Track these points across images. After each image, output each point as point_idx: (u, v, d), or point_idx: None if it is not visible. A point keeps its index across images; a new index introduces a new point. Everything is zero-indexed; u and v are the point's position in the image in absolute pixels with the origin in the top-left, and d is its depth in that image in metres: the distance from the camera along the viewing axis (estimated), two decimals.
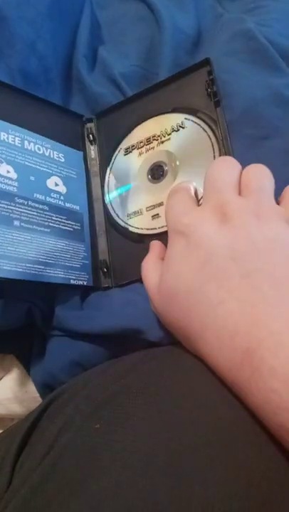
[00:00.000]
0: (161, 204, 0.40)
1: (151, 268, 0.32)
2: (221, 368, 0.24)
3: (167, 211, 0.32)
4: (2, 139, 0.38)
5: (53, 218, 0.39)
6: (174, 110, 0.41)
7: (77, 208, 0.42)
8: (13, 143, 0.39)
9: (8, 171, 0.38)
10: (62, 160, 0.42)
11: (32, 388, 0.36)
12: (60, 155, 0.42)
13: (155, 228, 0.39)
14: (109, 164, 0.44)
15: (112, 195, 0.43)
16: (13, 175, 0.38)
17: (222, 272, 0.25)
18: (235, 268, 0.25)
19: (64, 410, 0.28)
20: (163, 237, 0.39)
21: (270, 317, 0.22)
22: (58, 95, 0.45)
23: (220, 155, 0.37)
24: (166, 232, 0.39)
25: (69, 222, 0.40)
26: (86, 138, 0.45)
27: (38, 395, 0.36)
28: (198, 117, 0.39)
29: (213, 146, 0.38)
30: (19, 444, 0.28)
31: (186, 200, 0.31)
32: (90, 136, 0.45)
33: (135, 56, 0.47)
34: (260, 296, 0.23)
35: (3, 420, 0.35)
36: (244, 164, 0.31)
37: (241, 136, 0.38)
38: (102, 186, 0.43)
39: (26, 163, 0.39)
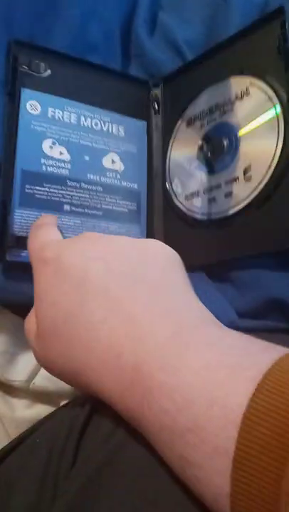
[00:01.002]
0: (218, 186, 0.35)
1: (31, 321, 0.28)
2: (114, 396, 0.22)
3: (29, 244, 0.30)
4: (57, 117, 0.37)
5: (107, 199, 0.38)
6: (241, 72, 0.34)
7: (135, 186, 0.40)
8: (68, 121, 0.38)
9: (61, 153, 0.37)
10: (122, 134, 0.40)
11: None
12: (120, 128, 0.40)
13: (210, 214, 0.35)
14: (171, 137, 0.40)
15: (172, 173, 0.39)
16: (67, 156, 0.37)
17: (99, 287, 0.23)
18: (112, 281, 0.23)
19: None
20: (218, 224, 0.35)
21: (153, 329, 0.21)
22: (117, 62, 0.43)
23: (285, 129, 0.31)
24: (221, 220, 0.35)
25: (124, 202, 0.39)
26: (151, 106, 0.41)
27: None
28: (266, 81, 0.32)
29: (278, 117, 0.31)
30: (83, 423, 0.29)
31: (49, 233, 0.30)
32: (155, 104, 0.41)
33: (199, 23, 0.42)
34: (140, 309, 0.22)
35: (50, 396, 0.37)
36: None
37: None
38: (164, 162, 0.40)
39: (81, 141, 0.38)
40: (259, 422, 0.16)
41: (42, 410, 0.35)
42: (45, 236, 0.30)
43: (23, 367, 0.35)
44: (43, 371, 0.35)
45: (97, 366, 0.23)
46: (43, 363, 0.28)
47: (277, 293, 0.32)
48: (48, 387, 0.35)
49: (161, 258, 0.25)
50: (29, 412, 0.35)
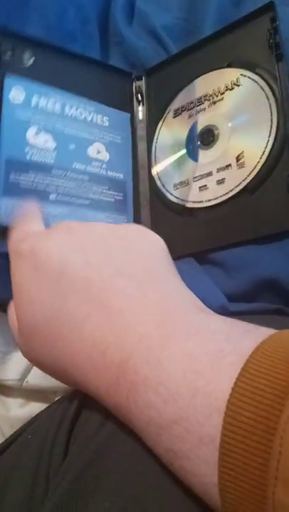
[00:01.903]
0: (210, 174, 0.36)
1: (13, 311, 0.27)
2: (101, 392, 0.21)
3: (10, 235, 0.28)
4: (41, 106, 0.36)
5: (93, 188, 0.37)
6: (229, 65, 0.36)
7: (121, 176, 0.39)
8: (52, 109, 0.37)
9: (46, 141, 0.36)
10: (107, 124, 0.39)
11: None
12: (105, 118, 0.40)
13: (202, 201, 0.36)
14: (157, 127, 0.40)
15: (158, 163, 0.39)
16: (52, 144, 0.36)
17: (80, 281, 0.22)
18: (92, 273, 0.22)
19: None
20: (210, 211, 0.35)
21: (138, 321, 0.20)
22: (96, 51, 0.42)
23: (278, 118, 0.32)
24: (213, 207, 0.36)
25: (111, 192, 0.38)
26: (134, 98, 0.41)
27: None
28: (256, 73, 0.34)
29: (271, 107, 0.33)
30: (72, 416, 0.27)
31: (28, 224, 0.28)
32: (139, 95, 0.41)
33: (177, 8, 0.43)
34: (124, 301, 0.21)
35: (45, 394, 0.35)
36: None
37: None
38: (149, 152, 0.40)
39: (66, 130, 0.37)
40: (243, 407, 0.15)
41: (36, 408, 0.33)
42: (24, 227, 0.28)
43: (16, 366, 0.33)
44: (35, 369, 0.34)
45: (82, 364, 0.22)
46: (30, 359, 0.26)
47: (266, 272, 0.33)
48: (42, 385, 0.33)
49: (143, 245, 0.25)
50: (23, 410, 0.33)
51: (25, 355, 0.26)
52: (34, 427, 0.30)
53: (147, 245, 0.25)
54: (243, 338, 0.18)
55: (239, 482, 0.15)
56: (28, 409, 0.33)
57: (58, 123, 0.37)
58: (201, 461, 0.17)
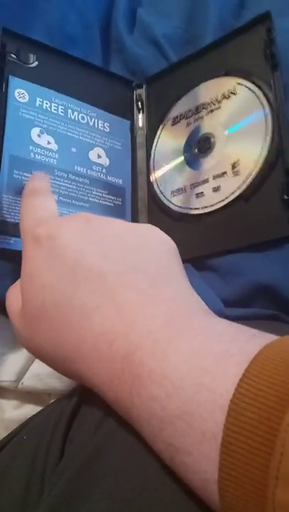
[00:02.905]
0: (206, 181, 0.36)
1: (15, 295, 0.27)
2: (103, 384, 0.22)
3: (22, 214, 0.28)
4: (45, 107, 0.37)
5: (93, 192, 0.38)
6: (226, 74, 0.36)
7: (120, 181, 0.40)
8: (55, 112, 0.37)
9: (48, 142, 0.36)
10: (108, 130, 0.40)
11: None
12: (106, 124, 0.40)
13: (198, 208, 0.36)
14: (156, 135, 0.41)
15: (156, 170, 0.40)
16: (54, 146, 0.37)
17: (95, 271, 0.23)
18: (108, 266, 0.23)
19: None
20: (206, 217, 0.36)
21: (148, 316, 0.21)
22: (97, 57, 0.43)
23: (273, 126, 0.33)
24: (210, 213, 0.36)
25: (110, 196, 0.39)
26: (134, 105, 0.42)
27: None
28: (253, 82, 0.34)
29: (266, 116, 0.33)
30: (69, 417, 0.27)
31: (45, 206, 0.28)
32: (139, 103, 0.42)
33: (177, 17, 0.44)
34: (136, 296, 0.22)
35: (40, 396, 0.35)
36: None
37: None
38: (148, 159, 0.41)
39: (69, 133, 0.38)
40: (246, 407, 0.16)
41: (31, 410, 0.34)
42: (40, 210, 0.28)
43: (11, 367, 0.33)
44: (31, 370, 0.34)
45: (87, 353, 0.22)
46: (28, 346, 0.26)
47: (262, 279, 0.33)
48: (37, 387, 0.34)
49: (157, 245, 0.25)
50: (18, 412, 0.34)
51: (25, 341, 0.26)
52: (29, 428, 0.30)
53: (161, 245, 0.25)
54: (248, 341, 0.18)
55: (239, 481, 0.16)
56: (22, 411, 0.34)
57: (61, 126, 0.37)
58: (202, 457, 0.17)
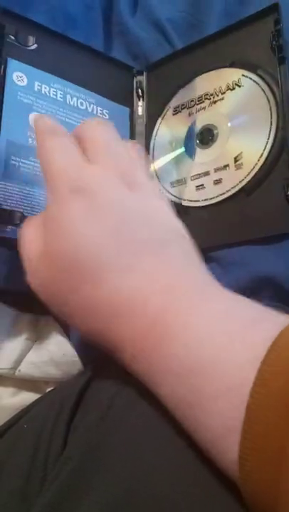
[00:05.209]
0: (207, 174, 0.36)
1: (34, 235, 0.26)
2: (125, 339, 0.23)
3: (49, 161, 0.26)
4: (44, 92, 0.36)
5: None
6: (232, 65, 0.36)
7: None
8: (54, 97, 0.37)
9: None
10: (106, 117, 0.39)
11: (71, 351, 0.35)
12: (105, 111, 0.39)
13: (198, 200, 0.36)
14: (156, 124, 0.40)
15: (156, 160, 0.40)
16: None
17: (139, 237, 0.24)
18: (149, 235, 0.24)
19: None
20: (206, 210, 0.36)
21: (186, 279, 0.23)
22: (99, 39, 0.42)
23: (278, 120, 0.33)
24: (210, 206, 0.36)
25: None
26: (134, 92, 0.41)
27: (77, 358, 0.35)
28: (258, 75, 0.34)
29: (271, 109, 0.33)
30: (72, 405, 0.27)
31: (72, 150, 0.26)
32: (139, 90, 0.41)
33: (182, 1, 0.42)
34: (179, 258, 0.24)
35: (37, 383, 0.35)
36: None
37: None
38: (147, 148, 0.40)
39: (67, 119, 0.37)
40: (276, 372, 0.17)
41: (28, 398, 0.33)
42: (71, 153, 0.26)
43: (8, 354, 0.33)
44: (28, 358, 0.34)
45: (119, 306, 0.23)
46: (42, 289, 0.25)
47: (264, 270, 0.33)
48: (34, 374, 0.34)
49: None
50: (15, 400, 0.34)
51: (40, 284, 0.25)
52: (30, 416, 0.30)
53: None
54: (277, 314, 0.20)
55: (263, 433, 0.17)
56: (20, 399, 0.33)
57: (60, 112, 0.37)
58: (229, 403, 0.18)
